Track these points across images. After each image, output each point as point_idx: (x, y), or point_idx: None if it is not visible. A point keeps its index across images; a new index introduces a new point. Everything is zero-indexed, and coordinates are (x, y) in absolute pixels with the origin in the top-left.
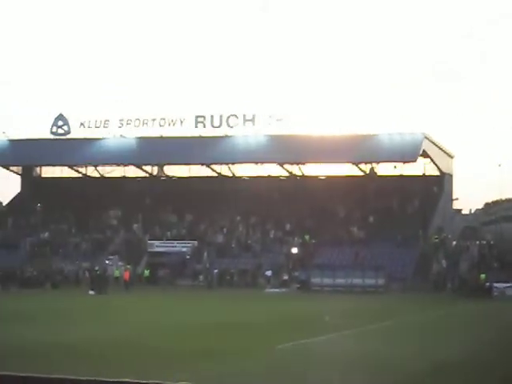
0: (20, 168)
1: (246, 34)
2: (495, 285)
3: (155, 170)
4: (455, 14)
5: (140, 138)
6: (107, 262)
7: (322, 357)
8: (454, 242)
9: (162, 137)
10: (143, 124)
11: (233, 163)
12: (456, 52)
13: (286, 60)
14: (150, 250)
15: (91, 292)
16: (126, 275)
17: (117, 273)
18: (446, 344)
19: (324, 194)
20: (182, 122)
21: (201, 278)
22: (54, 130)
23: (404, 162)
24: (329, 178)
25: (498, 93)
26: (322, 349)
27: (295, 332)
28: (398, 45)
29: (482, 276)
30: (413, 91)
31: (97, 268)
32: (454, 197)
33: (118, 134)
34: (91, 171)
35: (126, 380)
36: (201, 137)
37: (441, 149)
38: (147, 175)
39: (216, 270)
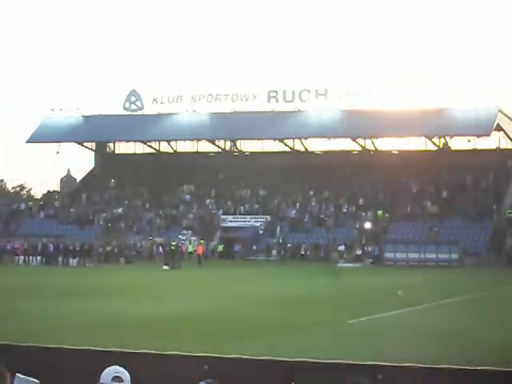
0: (93, 144)
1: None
2: None
3: (228, 146)
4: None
5: (212, 114)
6: (181, 236)
7: (395, 331)
8: None
9: (234, 112)
10: (216, 99)
11: (305, 138)
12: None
13: (356, 35)
14: (223, 224)
15: (165, 267)
16: (200, 250)
17: (190, 248)
18: None
19: (397, 168)
20: (254, 97)
21: (274, 252)
22: (127, 105)
23: (478, 136)
24: (401, 152)
25: None
26: (395, 323)
27: (368, 307)
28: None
29: None
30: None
31: (173, 243)
32: None
33: (190, 109)
34: (164, 147)
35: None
36: (273, 112)
37: None
38: (220, 150)
39: (289, 245)
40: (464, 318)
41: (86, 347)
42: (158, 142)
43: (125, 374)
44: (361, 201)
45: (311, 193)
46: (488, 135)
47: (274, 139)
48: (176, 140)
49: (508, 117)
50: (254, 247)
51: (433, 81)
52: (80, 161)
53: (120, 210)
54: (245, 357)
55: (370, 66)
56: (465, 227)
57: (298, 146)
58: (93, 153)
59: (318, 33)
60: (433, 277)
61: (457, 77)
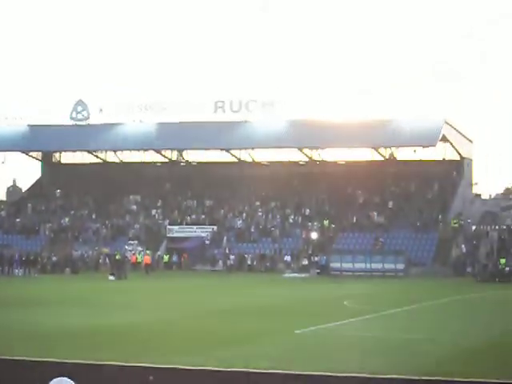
0: (40, 154)
1: (260, 20)
2: None
3: (174, 156)
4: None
5: (159, 124)
6: (127, 247)
7: (341, 341)
8: (474, 227)
9: (181, 122)
10: (162, 109)
11: (252, 148)
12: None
13: (304, 46)
14: (169, 235)
15: (111, 277)
16: (147, 260)
17: (139, 258)
18: (468, 328)
19: (343, 179)
20: (201, 107)
21: (220, 263)
22: (74, 115)
23: (424, 147)
24: (348, 163)
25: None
26: (341, 333)
27: (314, 317)
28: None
29: (502, 261)
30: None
31: (118, 253)
32: (473, 181)
33: (137, 119)
34: (111, 157)
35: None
36: (220, 122)
37: (460, 133)
38: (166, 160)
39: (235, 255)
40: (409, 328)
41: (29, 358)
42: (104, 152)
43: None
44: (307, 211)
45: (257, 203)
46: (434, 146)
47: (221, 149)
48: (122, 150)
49: (454, 128)
50: (200, 257)
51: (379, 91)
52: (26, 170)
53: (66, 219)
54: (187, 367)
55: (317, 76)
56: (410, 237)
57: (244, 156)
58: (39, 162)
59: (259, 43)
60: (378, 287)
61: (405, 88)
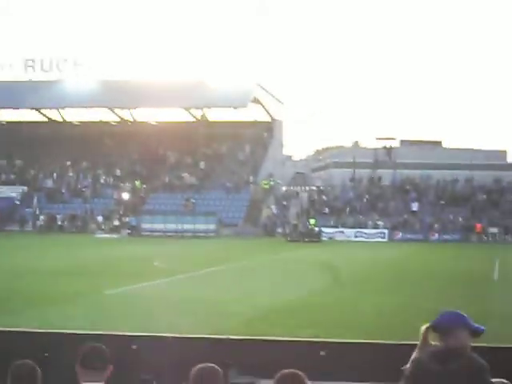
0: None
1: None
2: (324, 230)
3: None
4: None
5: None
6: None
7: (151, 302)
8: (284, 188)
9: None
10: None
11: (63, 108)
12: None
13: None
14: None
15: None
16: None
17: None
18: (277, 288)
19: (155, 139)
20: (10, 65)
21: (30, 223)
22: None
23: (235, 108)
24: (160, 123)
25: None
26: (151, 293)
27: (124, 277)
28: None
29: (312, 221)
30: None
31: None
32: (284, 143)
33: None
34: None
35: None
36: (31, 81)
37: (271, 95)
38: None
39: (44, 216)
40: (218, 289)
41: None
42: None
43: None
44: (118, 172)
45: (68, 163)
46: (245, 107)
47: (31, 108)
48: None
49: (265, 90)
50: (10, 218)
51: (190, 52)
52: None
53: None
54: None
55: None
56: (222, 198)
57: (55, 116)
58: None
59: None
60: (189, 247)
61: (216, 49)
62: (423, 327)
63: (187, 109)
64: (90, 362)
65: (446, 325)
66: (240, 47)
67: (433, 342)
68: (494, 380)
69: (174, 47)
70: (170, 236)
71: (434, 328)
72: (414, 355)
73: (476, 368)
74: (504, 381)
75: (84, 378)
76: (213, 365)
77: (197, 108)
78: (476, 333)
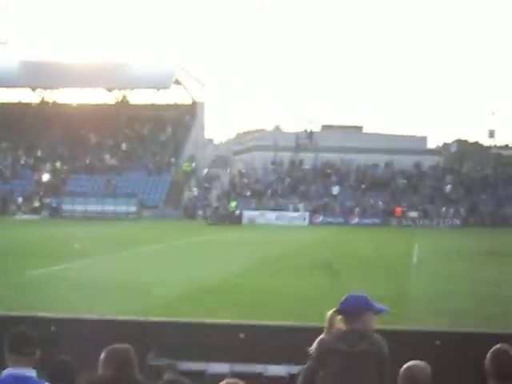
0: None
1: None
2: (245, 212)
3: None
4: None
5: None
6: None
7: (70, 283)
8: (206, 170)
9: None
10: None
11: None
12: None
13: None
14: None
15: None
16: None
17: None
18: (200, 270)
19: (76, 120)
20: None
21: None
22: None
23: (157, 89)
24: (81, 104)
25: None
26: (71, 275)
27: (45, 258)
28: None
29: (233, 204)
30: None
31: None
32: (205, 126)
33: None
34: None
35: None
36: None
37: (193, 77)
38: None
39: None
40: (140, 270)
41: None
42: None
43: None
44: (39, 152)
45: None
46: (167, 88)
47: None
48: None
49: (187, 71)
50: None
51: (115, 34)
52: None
53: None
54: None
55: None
56: (143, 180)
57: None
58: None
59: None
60: (110, 229)
61: (139, 31)
62: (330, 312)
63: (110, 89)
64: (18, 347)
65: (352, 309)
66: (163, 29)
67: (338, 326)
68: (412, 362)
69: (98, 28)
70: (90, 217)
71: (340, 312)
72: (320, 337)
73: (379, 349)
74: (421, 362)
75: (12, 363)
76: (126, 345)
77: (119, 89)
78: (380, 313)
